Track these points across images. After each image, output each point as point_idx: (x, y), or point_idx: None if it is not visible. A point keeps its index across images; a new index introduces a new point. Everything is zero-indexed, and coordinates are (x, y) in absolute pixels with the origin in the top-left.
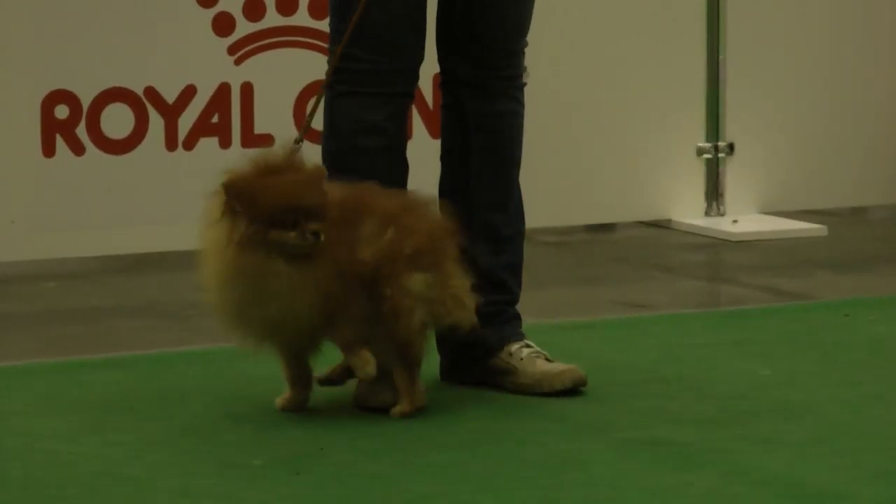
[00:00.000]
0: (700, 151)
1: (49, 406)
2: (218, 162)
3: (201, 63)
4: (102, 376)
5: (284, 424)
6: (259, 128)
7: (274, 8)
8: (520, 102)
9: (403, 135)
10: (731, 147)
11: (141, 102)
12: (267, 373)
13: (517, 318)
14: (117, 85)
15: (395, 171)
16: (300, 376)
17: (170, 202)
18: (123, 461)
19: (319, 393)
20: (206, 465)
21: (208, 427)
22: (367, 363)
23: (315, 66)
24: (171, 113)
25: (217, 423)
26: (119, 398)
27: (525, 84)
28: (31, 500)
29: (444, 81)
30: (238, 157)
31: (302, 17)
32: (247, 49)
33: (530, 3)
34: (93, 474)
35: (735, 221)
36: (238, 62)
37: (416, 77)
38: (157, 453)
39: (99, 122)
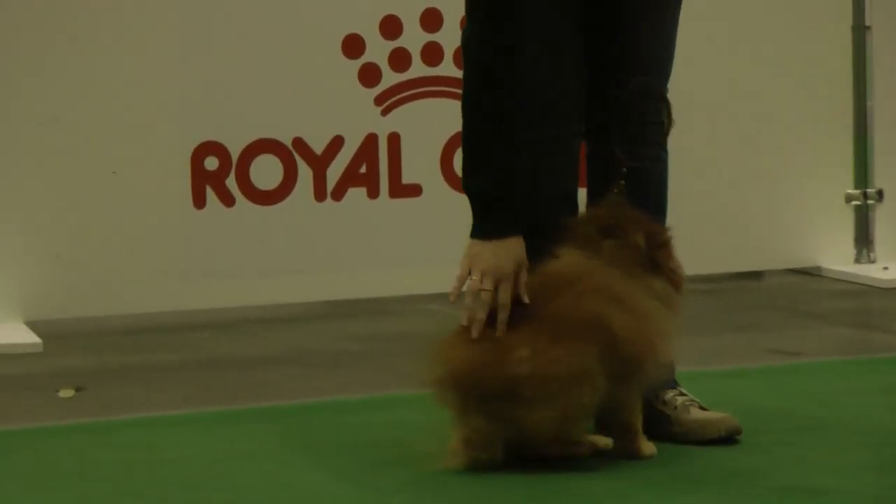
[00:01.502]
0: (849, 198)
1: (206, 456)
2: (366, 212)
3: (348, 114)
4: (257, 426)
5: (443, 474)
6: (406, 178)
7: (419, 58)
8: (664, 149)
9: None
10: (880, 194)
11: (289, 153)
12: (419, 420)
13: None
14: (266, 136)
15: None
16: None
17: (319, 252)
18: None
19: None
20: None
21: (363, 475)
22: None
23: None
24: (319, 163)
25: (370, 472)
26: (272, 448)
27: (670, 129)
28: None
29: (589, 130)
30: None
31: (447, 67)
32: (393, 99)
33: (673, 47)
34: None
35: (886, 268)
36: (385, 112)
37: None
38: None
39: (248, 173)
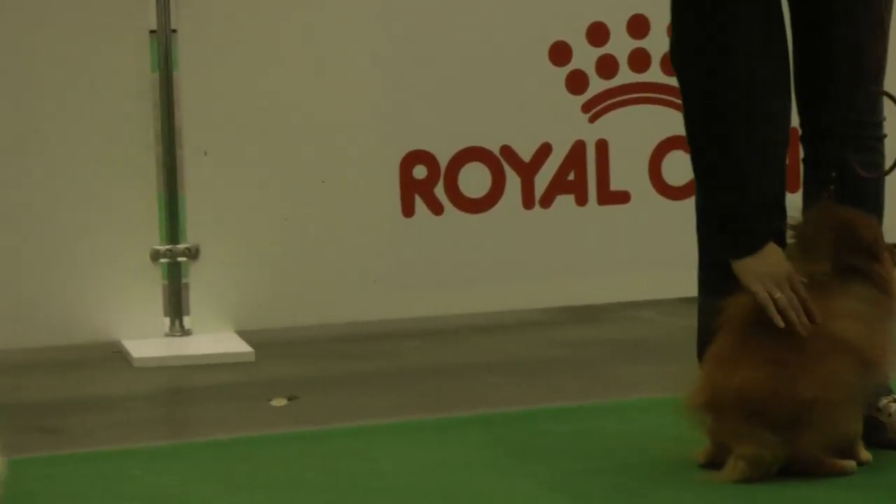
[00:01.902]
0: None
1: (418, 464)
2: (574, 219)
3: (556, 121)
4: (468, 434)
5: (649, 483)
6: (615, 185)
7: (626, 65)
8: (881, 153)
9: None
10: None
11: (497, 161)
12: (633, 429)
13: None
14: (474, 144)
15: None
16: None
17: (527, 260)
18: None
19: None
20: None
21: (576, 484)
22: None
23: (668, 122)
24: (527, 171)
25: (582, 480)
26: (485, 456)
27: (885, 135)
28: None
29: (805, 134)
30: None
31: (654, 74)
32: (601, 106)
33: (887, 40)
34: None
35: None
36: (592, 119)
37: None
38: None
39: (456, 181)
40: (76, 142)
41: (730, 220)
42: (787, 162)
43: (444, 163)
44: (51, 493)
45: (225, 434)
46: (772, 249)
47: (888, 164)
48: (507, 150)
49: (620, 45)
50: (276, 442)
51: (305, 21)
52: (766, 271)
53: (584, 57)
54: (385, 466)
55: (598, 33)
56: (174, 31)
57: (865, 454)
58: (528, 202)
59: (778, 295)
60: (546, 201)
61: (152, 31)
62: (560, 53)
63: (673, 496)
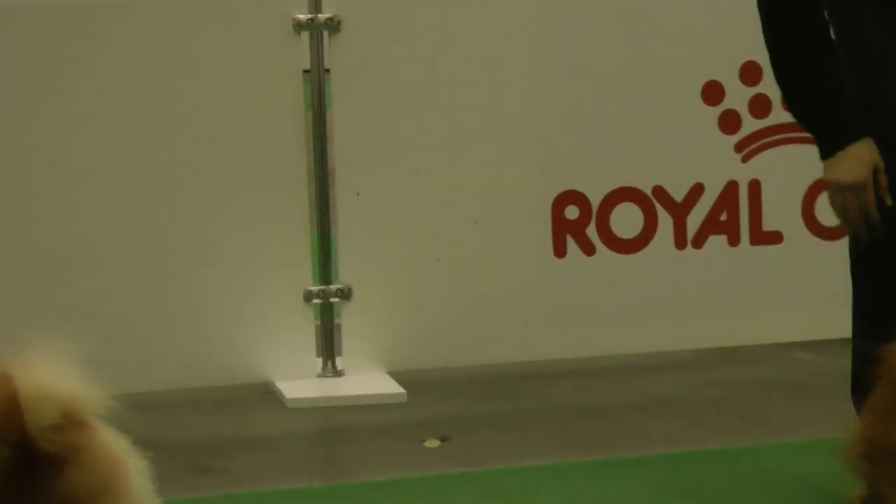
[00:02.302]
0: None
1: None
2: (726, 259)
3: (708, 161)
4: (621, 475)
5: None
6: (767, 225)
7: (779, 104)
8: None
9: None
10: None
11: (649, 202)
12: (789, 471)
13: None
14: (626, 185)
15: None
16: None
17: (680, 300)
18: None
19: None
20: None
21: None
22: None
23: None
24: (679, 211)
25: None
26: (639, 498)
27: None
28: None
29: None
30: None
31: None
32: (754, 146)
33: None
34: None
35: None
36: (745, 159)
37: None
38: None
39: (608, 221)
40: (231, 181)
41: (812, 120)
42: None
43: (595, 203)
44: None
45: (378, 475)
46: (860, 149)
47: None
48: (659, 191)
49: (774, 84)
50: (429, 483)
51: (458, 61)
52: (847, 176)
53: (737, 96)
54: None
55: (750, 72)
56: (327, 70)
57: None
58: (680, 242)
59: (849, 206)
60: (698, 242)
61: (306, 71)
62: (713, 93)
63: None
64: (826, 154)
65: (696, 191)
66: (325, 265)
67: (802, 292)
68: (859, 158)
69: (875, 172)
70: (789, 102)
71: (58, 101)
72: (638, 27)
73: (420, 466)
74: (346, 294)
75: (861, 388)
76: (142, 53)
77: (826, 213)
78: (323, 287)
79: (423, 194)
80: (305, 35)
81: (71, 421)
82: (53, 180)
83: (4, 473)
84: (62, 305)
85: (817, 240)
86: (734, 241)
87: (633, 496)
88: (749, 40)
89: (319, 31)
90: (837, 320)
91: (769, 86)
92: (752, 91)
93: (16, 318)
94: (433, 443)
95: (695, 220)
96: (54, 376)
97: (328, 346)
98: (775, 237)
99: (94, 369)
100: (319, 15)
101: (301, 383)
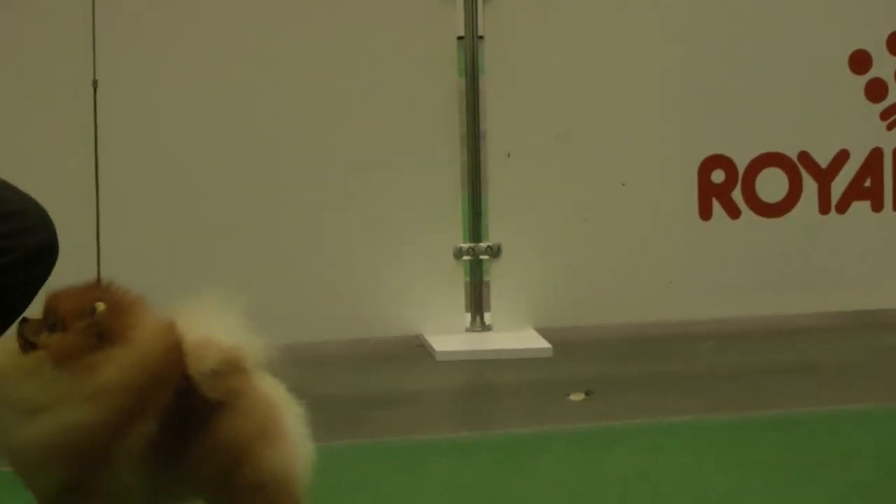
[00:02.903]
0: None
1: (712, 464)
2: (870, 225)
3: (854, 128)
4: (762, 435)
5: None
6: None
7: None
8: None
9: None
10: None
11: (795, 167)
12: None
13: None
14: (772, 150)
15: None
16: None
17: (822, 265)
18: None
19: None
20: None
21: (871, 490)
22: None
23: None
24: (824, 177)
25: (880, 485)
26: (779, 458)
27: None
28: None
29: None
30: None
31: None
32: None
33: None
34: None
35: None
36: (890, 127)
37: None
38: None
39: (754, 185)
40: (388, 144)
41: None
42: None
43: (742, 167)
44: (354, 481)
45: (524, 428)
46: None
47: None
48: (804, 156)
49: None
50: (573, 436)
51: (608, 27)
52: None
53: (884, 65)
54: (679, 464)
55: None
56: (481, 37)
57: None
58: (824, 208)
59: None
60: (842, 207)
61: (460, 38)
62: (860, 61)
63: None
64: None
65: (841, 157)
66: (475, 224)
67: None
68: None
69: None
70: None
71: (239, 86)
72: None
73: (564, 420)
74: (495, 252)
75: None
76: (300, 24)
77: None
78: (473, 245)
79: (571, 157)
80: (460, 2)
81: (231, 368)
82: (230, 152)
83: (166, 418)
84: (229, 261)
85: None
86: (877, 207)
87: (769, 455)
88: None
89: None
90: None
91: None
92: None
93: (190, 272)
94: (578, 396)
95: (839, 185)
96: (216, 326)
97: (477, 302)
98: None
99: (254, 321)
100: None
101: (450, 338)
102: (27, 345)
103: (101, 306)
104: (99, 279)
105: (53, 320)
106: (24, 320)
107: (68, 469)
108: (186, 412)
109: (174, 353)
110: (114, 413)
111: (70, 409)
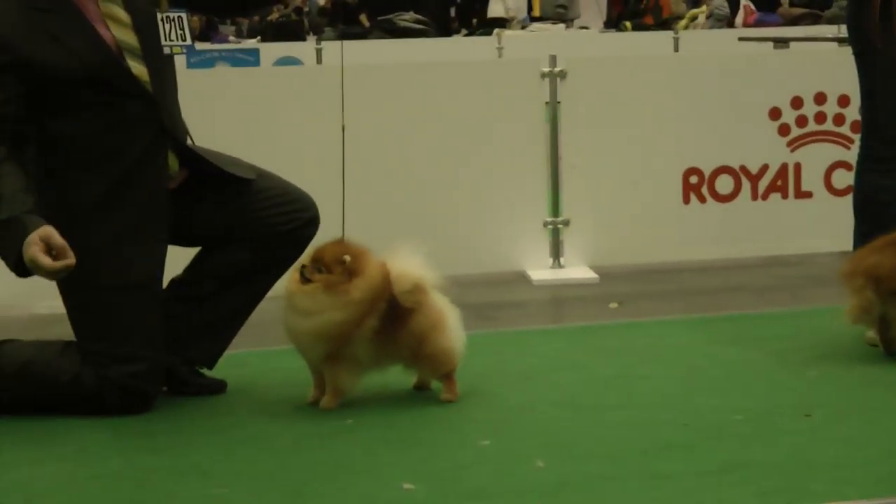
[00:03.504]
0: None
1: (693, 340)
2: (780, 208)
3: (770, 147)
4: (723, 325)
5: None
6: None
7: None
8: None
9: None
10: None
11: (738, 173)
12: None
13: None
14: (725, 164)
15: None
16: None
17: (754, 228)
18: None
19: None
20: None
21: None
22: None
23: None
24: (754, 179)
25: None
26: (733, 336)
27: None
28: None
29: None
30: None
31: None
32: None
33: None
34: None
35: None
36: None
37: None
38: None
39: (714, 185)
40: (509, 164)
41: None
42: None
43: (707, 173)
44: (487, 355)
45: (584, 322)
46: None
47: None
48: (743, 168)
49: None
50: (611, 327)
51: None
52: None
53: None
54: (672, 342)
55: None
56: (559, 102)
57: None
58: (754, 197)
59: None
60: (765, 196)
61: (546, 102)
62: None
63: None
64: None
65: (765, 167)
66: (555, 205)
67: None
68: None
69: None
70: None
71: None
72: None
73: (607, 318)
74: (566, 223)
75: None
76: (448, 93)
77: None
78: (553, 219)
79: (615, 166)
80: (546, 80)
81: (417, 288)
82: (402, 140)
83: (384, 316)
84: (416, 223)
85: None
86: (785, 196)
87: (732, 334)
88: None
89: None
90: None
91: None
92: None
93: (384, 224)
94: (614, 305)
95: (763, 184)
96: (409, 263)
97: (556, 252)
98: None
99: (430, 259)
100: None
101: (541, 271)
102: (305, 280)
103: (348, 258)
104: (343, 237)
105: (320, 265)
106: (303, 266)
107: (327, 346)
108: (394, 314)
109: (387, 280)
110: (355, 315)
111: (331, 313)
